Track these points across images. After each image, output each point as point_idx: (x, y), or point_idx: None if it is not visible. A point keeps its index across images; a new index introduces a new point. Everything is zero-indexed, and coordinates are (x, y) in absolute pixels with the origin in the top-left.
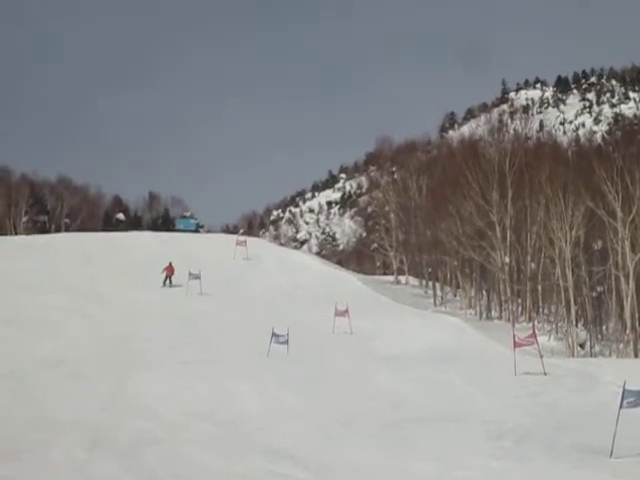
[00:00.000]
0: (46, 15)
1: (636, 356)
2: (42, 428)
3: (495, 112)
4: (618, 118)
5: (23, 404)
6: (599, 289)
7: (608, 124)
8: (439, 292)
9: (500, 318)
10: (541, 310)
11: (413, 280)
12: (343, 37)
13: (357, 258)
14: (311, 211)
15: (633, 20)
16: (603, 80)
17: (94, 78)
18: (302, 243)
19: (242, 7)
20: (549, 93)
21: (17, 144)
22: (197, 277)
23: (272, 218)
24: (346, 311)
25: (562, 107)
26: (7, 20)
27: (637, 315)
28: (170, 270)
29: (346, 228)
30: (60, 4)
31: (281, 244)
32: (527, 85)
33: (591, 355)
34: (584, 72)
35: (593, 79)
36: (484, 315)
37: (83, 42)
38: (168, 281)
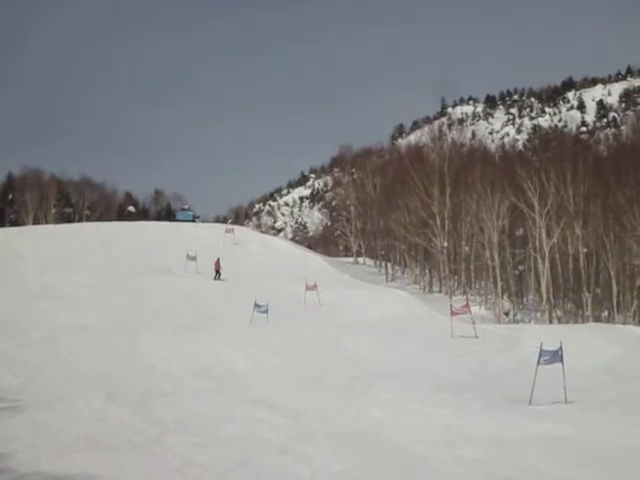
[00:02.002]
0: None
1: (551, 322)
2: (68, 382)
3: (436, 124)
4: (536, 129)
5: (53, 362)
6: (520, 268)
7: (528, 134)
8: (390, 270)
9: (440, 292)
10: (473, 285)
11: (369, 261)
12: (313, 65)
13: (324, 243)
14: (286, 205)
15: (548, 49)
16: (524, 97)
17: (112, 95)
18: (279, 231)
19: (237, 41)
20: (480, 108)
21: (48, 149)
22: (194, 258)
23: (255, 210)
24: (315, 286)
25: (490, 120)
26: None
27: (551, 289)
28: (218, 265)
29: (315, 219)
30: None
31: (262, 232)
32: (462, 101)
33: (514, 322)
34: (508, 91)
35: (516, 97)
36: (427, 289)
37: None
38: (218, 276)
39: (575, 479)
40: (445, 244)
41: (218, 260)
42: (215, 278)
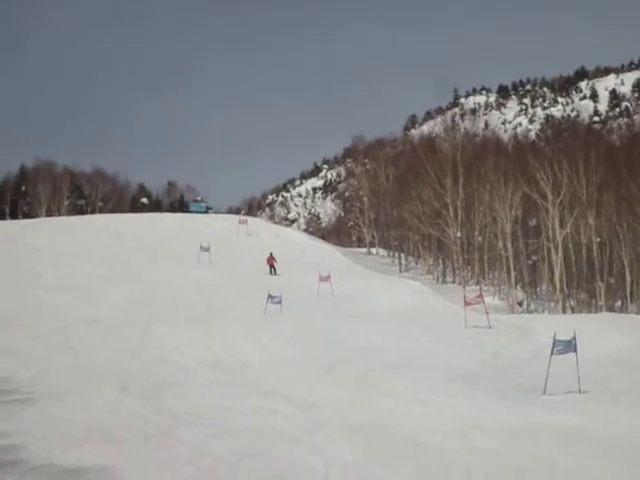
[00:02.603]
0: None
1: (564, 312)
2: (80, 374)
3: (449, 114)
4: (549, 119)
5: (67, 354)
6: (534, 258)
7: (540, 124)
8: (403, 261)
9: (453, 282)
10: (487, 275)
11: (382, 251)
12: (327, 56)
13: (337, 233)
14: (299, 195)
15: (561, 39)
16: (537, 87)
17: (123, 87)
18: (292, 222)
19: (247, 34)
20: (492, 98)
21: (61, 142)
22: (207, 250)
23: (268, 201)
24: (328, 277)
25: (503, 110)
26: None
27: (565, 279)
28: (271, 260)
29: (328, 209)
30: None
31: (275, 223)
32: (474, 92)
33: (528, 312)
34: (521, 81)
35: (528, 87)
36: (440, 280)
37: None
38: (273, 270)
39: (588, 470)
40: (458, 234)
41: (271, 255)
42: (270, 273)
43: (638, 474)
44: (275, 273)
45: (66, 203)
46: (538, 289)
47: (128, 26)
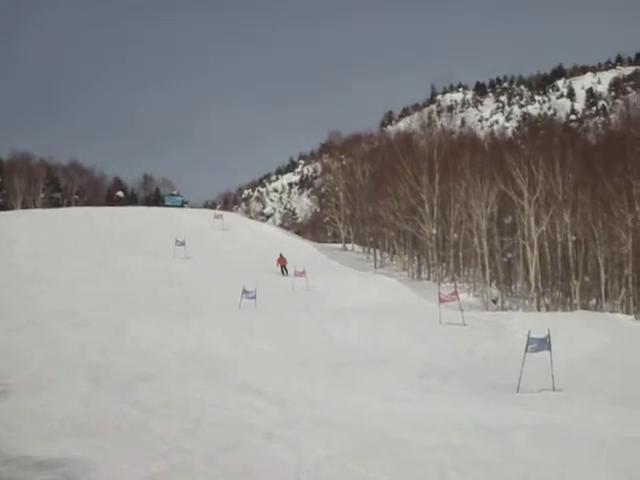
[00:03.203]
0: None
1: (539, 310)
2: (55, 367)
3: (425, 111)
4: (525, 116)
5: (42, 346)
6: (509, 255)
7: (517, 121)
8: (378, 257)
9: (428, 279)
10: (462, 272)
11: (357, 247)
12: (302, 52)
13: (312, 229)
14: (275, 190)
15: (539, 37)
16: (513, 85)
17: (100, 80)
18: (268, 217)
19: (226, 30)
20: (469, 96)
21: (37, 135)
22: (182, 244)
23: (243, 196)
24: (303, 272)
25: (480, 107)
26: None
27: (540, 277)
28: (282, 261)
29: (304, 205)
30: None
31: (251, 217)
32: (451, 89)
33: (502, 309)
34: (498, 78)
35: (505, 84)
36: (415, 276)
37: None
38: (284, 270)
39: (560, 466)
40: (434, 231)
41: (281, 256)
42: (282, 274)
43: (609, 470)
44: (287, 274)
45: (42, 196)
46: (513, 287)
47: (111, 24)
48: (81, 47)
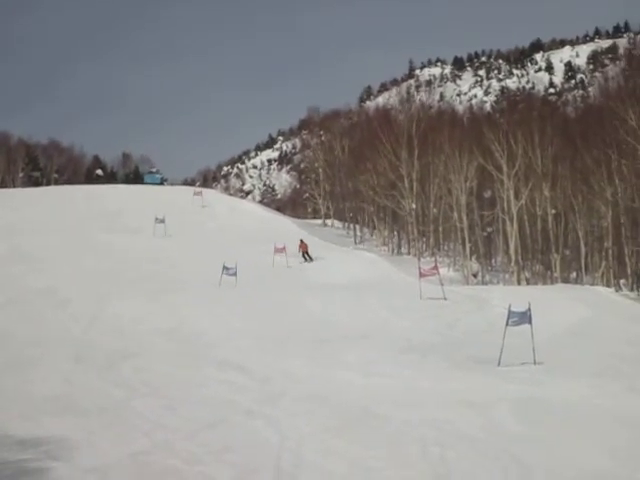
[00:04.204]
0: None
1: (519, 284)
2: (37, 344)
3: (404, 86)
4: (504, 90)
5: (22, 324)
6: (489, 229)
7: (496, 95)
8: (359, 233)
9: (408, 254)
10: (442, 247)
11: (337, 223)
12: (280, 29)
13: (292, 205)
14: (254, 167)
15: (516, 11)
16: (492, 59)
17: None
18: (247, 193)
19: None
20: (448, 70)
21: (15, 113)
22: (162, 221)
23: (223, 173)
24: (283, 248)
25: (458, 82)
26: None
27: (520, 251)
28: (304, 247)
29: (283, 181)
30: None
31: (230, 194)
32: (430, 64)
33: (483, 283)
34: (476, 53)
35: (483, 58)
36: (395, 251)
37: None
38: (307, 257)
39: (543, 439)
40: (413, 206)
41: (302, 241)
42: (305, 260)
43: (591, 441)
44: (310, 259)
45: (21, 175)
46: (493, 261)
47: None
48: (61, 27)
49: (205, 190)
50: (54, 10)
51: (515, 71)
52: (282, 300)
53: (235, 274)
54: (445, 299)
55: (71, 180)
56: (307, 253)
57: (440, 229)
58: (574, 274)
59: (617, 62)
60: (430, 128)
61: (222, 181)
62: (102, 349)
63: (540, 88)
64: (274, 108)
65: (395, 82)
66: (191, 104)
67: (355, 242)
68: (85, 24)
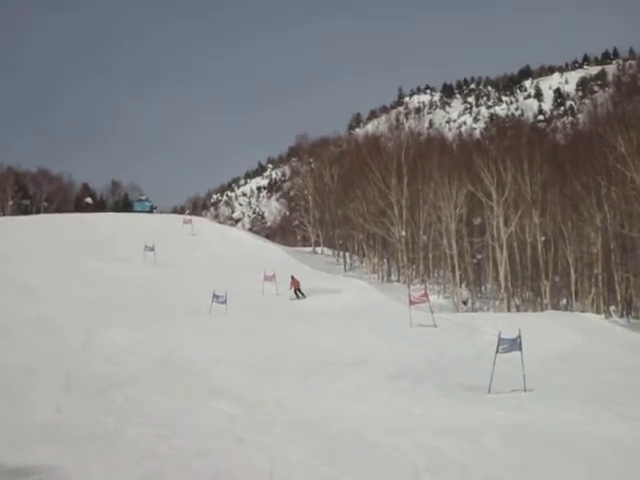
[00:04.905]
0: None
1: (509, 310)
2: (26, 373)
3: (393, 113)
4: (493, 117)
5: (11, 353)
6: (479, 256)
7: (485, 122)
8: (348, 260)
9: (398, 281)
10: (432, 274)
11: (327, 250)
12: (269, 55)
13: (282, 233)
14: (244, 195)
15: (505, 38)
16: (481, 86)
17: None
18: (237, 221)
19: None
20: (437, 97)
21: (3, 140)
22: (152, 249)
23: (212, 201)
24: (273, 276)
25: (447, 108)
26: None
27: (509, 277)
28: (295, 283)
29: (273, 208)
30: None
31: (220, 222)
32: (419, 91)
33: (473, 310)
34: (465, 80)
35: (473, 86)
36: (385, 278)
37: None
38: (300, 294)
39: (532, 466)
40: (403, 233)
41: (293, 278)
42: (297, 297)
43: (577, 468)
44: (303, 296)
45: (10, 203)
46: (483, 288)
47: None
48: (49, 54)
49: (195, 218)
50: (41, 36)
51: (504, 98)
52: (272, 328)
53: (225, 302)
54: (435, 326)
55: (60, 208)
56: (299, 290)
57: (430, 256)
58: (564, 301)
59: (606, 88)
60: (419, 155)
61: (212, 209)
62: (93, 377)
63: (529, 115)
64: (263, 136)
65: (384, 109)
66: (179, 132)
67: (345, 269)
68: (74, 52)
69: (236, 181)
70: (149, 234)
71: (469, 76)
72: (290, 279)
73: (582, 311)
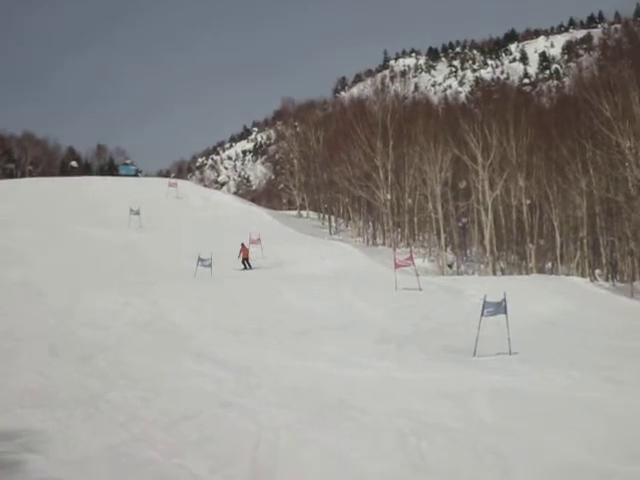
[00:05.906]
0: None
1: (494, 274)
2: (11, 338)
3: (378, 76)
4: (478, 81)
5: None
6: (464, 220)
7: (470, 86)
8: (334, 223)
9: (384, 244)
10: (417, 237)
11: (312, 214)
12: (256, 19)
13: (267, 196)
14: (229, 158)
15: (490, 1)
16: (466, 50)
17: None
18: (222, 185)
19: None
20: (422, 61)
21: None
22: (137, 213)
23: (197, 164)
24: (259, 239)
25: (433, 72)
26: None
27: (495, 241)
28: (245, 252)
29: (258, 172)
30: None
31: (205, 186)
32: (404, 54)
33: (458, 274)
34: (450, 43)
35: (458, 49)
36: (370, 242)
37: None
38: (247, 264)
39: (518, 430)
40: (388, 197)
41: (243, 245)
42: (245, 268)
43: (565, 431)
44: (250, 267)
45: None
46: (468, 251)
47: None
48: (38, 20)
49: (180, 181)
50: (30, 4)
51: (489, 61)
52: (258, 291)
53: (210, 265)
54: (420, 290)
55: (45, 172)
56: (247, 260)
57: (415, 220)
58: (549, 264)
59: (591, 52)
60: (405, 119)
61: (197, 172)
62: (78, 341)
63: (515, 79)
64: (248, 99)
65: (370, 73)
66: (165, 96)
67: (330, 233)
68: (64, 18)
69: (221, 145)
70: (134, 197)
71: (454, 39)
72: (240, 247)
73: (567, 274)
